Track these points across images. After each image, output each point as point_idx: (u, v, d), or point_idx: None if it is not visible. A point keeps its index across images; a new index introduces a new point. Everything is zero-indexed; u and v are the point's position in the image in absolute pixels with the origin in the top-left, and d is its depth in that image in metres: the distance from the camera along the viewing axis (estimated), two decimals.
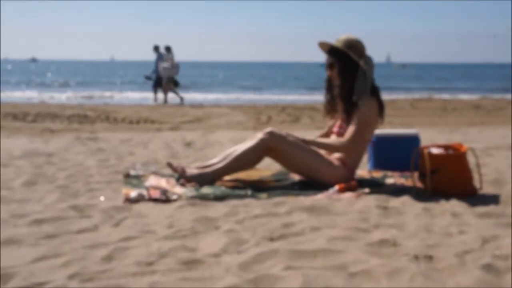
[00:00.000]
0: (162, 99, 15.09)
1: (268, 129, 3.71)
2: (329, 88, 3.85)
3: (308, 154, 3.66)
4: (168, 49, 14.89)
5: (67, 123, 9.37)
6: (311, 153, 3.67)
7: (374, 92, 3.69)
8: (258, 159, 3.70)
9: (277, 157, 3.71)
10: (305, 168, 3.69)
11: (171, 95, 15.19)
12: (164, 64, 14.65)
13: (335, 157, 3.70)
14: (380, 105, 3.70)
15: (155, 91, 15.25)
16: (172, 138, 6.71)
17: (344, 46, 3.67)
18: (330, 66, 3.74)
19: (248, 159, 3.67)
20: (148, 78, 15.61)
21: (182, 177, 3.67)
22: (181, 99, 14.91)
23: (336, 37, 3.76)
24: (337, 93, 3.74)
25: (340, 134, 3.74)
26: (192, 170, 3.72)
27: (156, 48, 15.02)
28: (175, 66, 14.76)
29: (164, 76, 14.70)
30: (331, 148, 3.70)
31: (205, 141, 6.42)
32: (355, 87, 3.62)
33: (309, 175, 3.72)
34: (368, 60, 3.68)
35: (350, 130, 3.65)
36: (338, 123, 3.79)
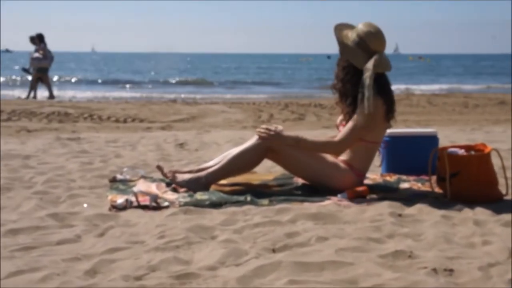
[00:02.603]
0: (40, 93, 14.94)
1: None
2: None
3: (312, 155, 3.65)
4: (40, 37, 14.61)
5: (45, 121, 9.36)
6: (315, 155, 3.66)
7: (383, 89, 3.60)
8: (257, 161, 3.69)
9: (278, 159, 3.71)
10: (310, 171, 3.68)
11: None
12: (35, 54, 14.47)
13: (340, 159, 3.70)
14: (388, 104, 3.62)
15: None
16: (163, 139, 6.71)
17: (352, 38, 3.62)
18: (340, 56, 3.73)
19: (245, 160, 3.66)
20: (25, 70, 15.42)
21: (173, 183, 3.67)
22: (51, 94, 14.73)
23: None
24: (337, 87, 3.73)
25: None
26: (183, 175, 3.72)
27: (32, 39, 14.79)
28: (47, 57, 14.57)
29: (34, 66, 14.46)
30: (320, 147, 3.66)
31: (200, 142, 6.42)
32: (359, 87, 3.55)
33: (314, 179, 3.71)
34: (380, 58, 3.57)
35: (344, 130, 3.64)
36: (345, 122, 3.77)
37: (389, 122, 3.70)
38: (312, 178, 3.72)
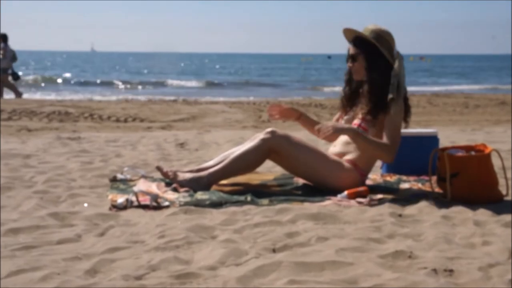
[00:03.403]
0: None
1: (270, 128, 3.69)
2: (349, 81, 3.83)
3: (315, 155, 3.64)
4: (4, 37, 14.39)
5: (46, 121, 9.37)
6: (318, 155, 3.65)
7: (404, 96, 3.68)
8: (259, 162, 3.69)
9: (280, 160, 3.70)
10: (312, 171, 3.67)
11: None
12: None
13: (346, 158, 3.70)
14: (406, 104, 3.70)
15: None
16: (164, 138, 6.72)
17: (372, 37, 3.63)
18: (352, 57, 3.69)
19: (247, 161, 3.66)
20: None
21: (174, 182, 3.67)
22: (18, 94, 14.59)
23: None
24: (365, 90, 3.70)
25: None
26: (184, 175, 3.72)
27: None
28: (9, 57, 14.38)
29: None
30: (375, 146, 3.56)
31: (200, 142, 6.42)
32: (389, 89, 3.56)
33: (316, 180, 3.70)
34: (400, 57, 3.63)
35: (387, 133, 3.59)
36: (356, 121, 3.72)
37: (406, 123, 3.74)
38: (316, 178, 3.71)
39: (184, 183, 3.64)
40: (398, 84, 3.58)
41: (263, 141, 3.62)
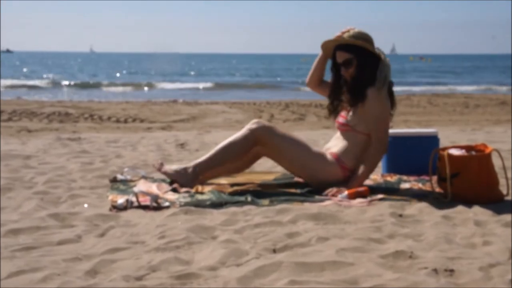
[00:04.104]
0: None
1: (254, 120, 3.76)
2: (335, 90, 3.84)
3: (298, 147, 3.69)
4: None
5: (46, 122, 9.37)
6: (302, 147, 3.70)
7: (388, 88, 3.71)
8: (244, 151, 3.73)
9: (266, 151, 3.76)
10: (295, 162, 3.71)
11: None
12: None
13: (329, 152, 3.74)
14: (391, 94, 3.72)
15: None
16: (164, 139, 6.72)
17: (361, 40, 3.67)
18: (346, 63, 3.68)
19: (233, 151, 3.70)
20: None
21: (159, 171, 3.73)
22: None
23: (336, 27, 3.76)
24: (347, 85, 3.73)
25: (344, 125, 3.73)
26: (172, 166, 3.80)
27: None
28: None
29: None
30: (376, 160, 3.67)
31: (200, 142, 6.42)
32: (377, 77, 3.61)
33: (298, 171, 3.76)
34: (382, 53, 3.72)
35: (377, 135, 3.63)
36: (342, 113, 3.79)
37: (391, 115, 3.75)
38: (298, 169, 3.76)
39: (170, 173, 3.68)
40: (385, 77, 3.63)
41: (249, 131, 3.68)
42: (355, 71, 3.68)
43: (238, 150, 3.71)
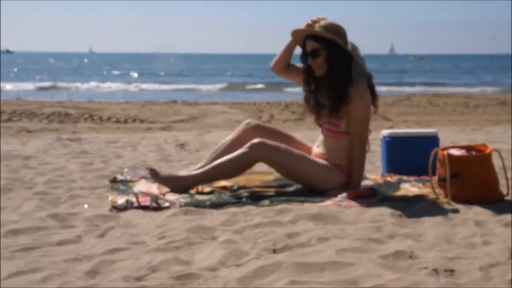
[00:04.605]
0: None
1: (255, 140, 3.61)
2: (308, 80, 3.78)
3: (304, 161, 3.63)
4: None
5: (46, 122, 9.38)
6: (307, 160, 3.65)
7: (367, 82, 3.64)
8: (240, 171, 3.68)
9: (271, 165, 3.70)
10: (303, 176, 3.67)
11: None
12: None
13: (332, 162, 3.68)
14: (373, 95, 3.66)
15: None
16: (164, 139, 6.72)
17: (330, 32, 3.58)
18: (313, 53, 3.60)
19: (231, 169, 3.63)
20: None
21: (154, 178, 3.67)
22: None
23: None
24: (326, 86, 3.64)
25: (331, 131, 3.69)
26: (166, 170, 3.77)
27: None
28: None
29: None
30: (361, 167, 3.68)
31: (200, 142, 6.42)
32: (353, 77, 3.55)
33: (305, 183, 3.71)
34: (355, 47, 3.63)
35: (359, 127, 3.61)
36: (326, 120, 3.73)
37: (375, 107, 3.70)
38: (302, 180, 3.71)
39: (163, 180, 3.64)
40: (362, 72, 3.58)
41: (244, 154, 3.58)
42: (325, 64, 3.60)
43: (234, 170, 3.64)
